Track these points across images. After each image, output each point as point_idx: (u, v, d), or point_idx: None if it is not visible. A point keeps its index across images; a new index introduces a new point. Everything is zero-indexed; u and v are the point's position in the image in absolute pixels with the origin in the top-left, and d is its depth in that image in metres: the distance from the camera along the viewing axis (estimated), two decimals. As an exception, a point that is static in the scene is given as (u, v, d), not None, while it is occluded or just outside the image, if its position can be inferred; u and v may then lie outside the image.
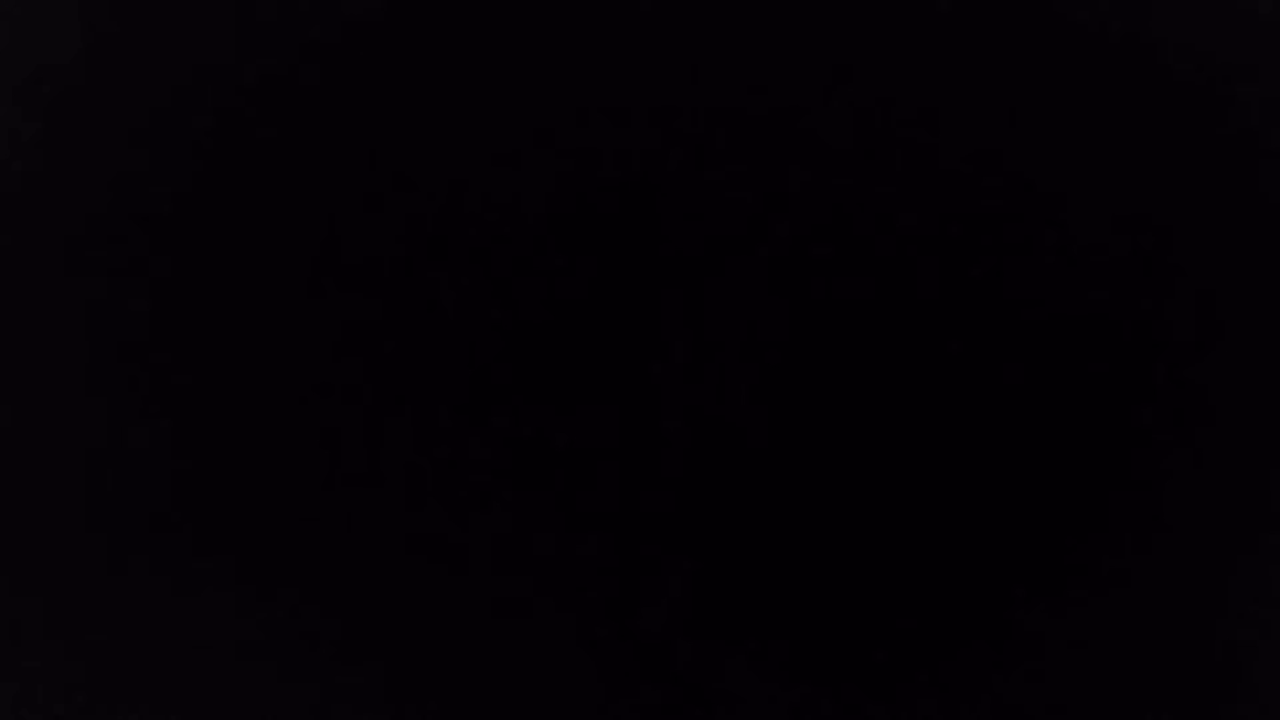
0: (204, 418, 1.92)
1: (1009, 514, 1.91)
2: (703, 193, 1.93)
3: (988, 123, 1.94)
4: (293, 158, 1.94)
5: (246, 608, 1.91)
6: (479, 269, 1.93)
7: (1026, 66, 1.95)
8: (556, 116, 1.94)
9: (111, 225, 1.95)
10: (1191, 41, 1.97)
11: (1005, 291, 1.92)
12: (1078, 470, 1.91)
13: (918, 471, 1.91)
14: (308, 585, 1.91)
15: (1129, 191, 1.94)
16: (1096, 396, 1.92)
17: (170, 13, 1.97)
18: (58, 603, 1.92)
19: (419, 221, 1.93)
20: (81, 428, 1.93)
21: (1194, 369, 1.93)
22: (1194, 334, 1.93)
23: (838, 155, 1.94)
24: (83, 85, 1.97)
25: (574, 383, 1.91)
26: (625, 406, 1.91)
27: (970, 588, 1.90)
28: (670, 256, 1.92)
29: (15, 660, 1.93)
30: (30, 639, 1.93)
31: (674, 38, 1.95)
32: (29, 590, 1.93)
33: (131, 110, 1.96)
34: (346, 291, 1.93)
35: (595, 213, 1.93)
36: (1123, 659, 1.91)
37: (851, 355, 1.92)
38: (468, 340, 1.92)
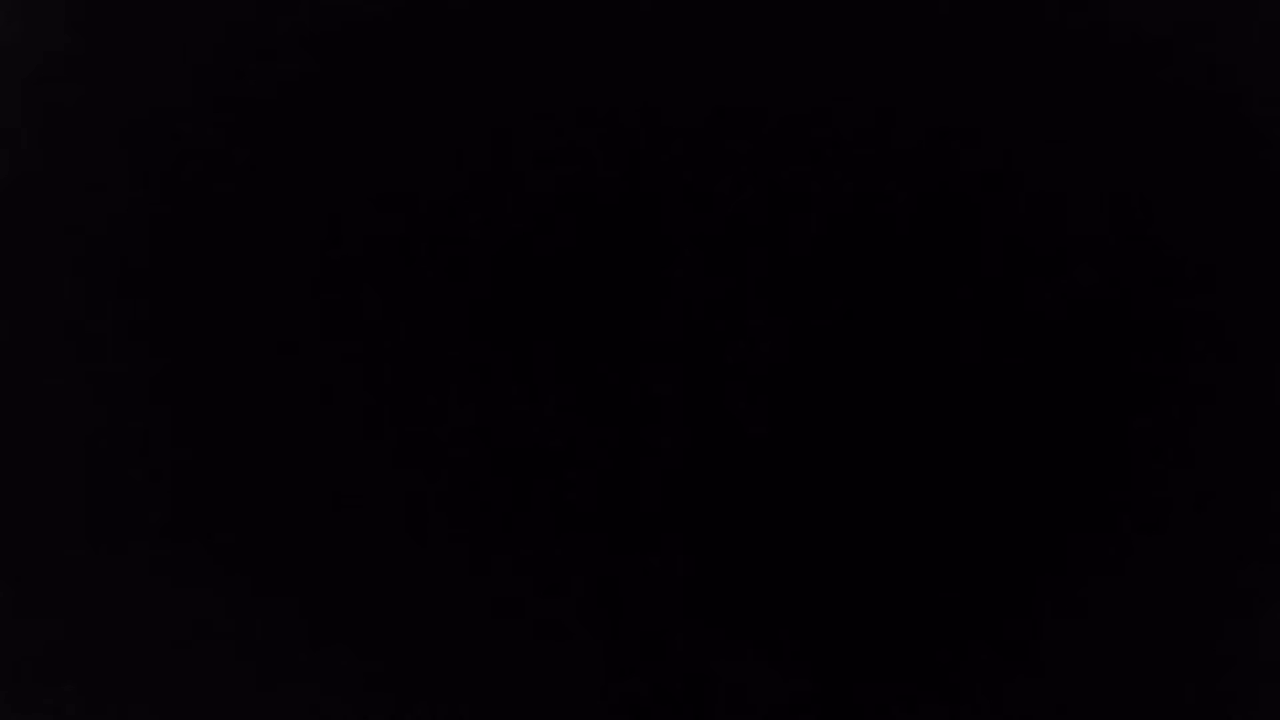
0: (203, 418, 1.92)
1: (1009, 512, 1.91)
2: (704, 193, 1.93)
3: (989, 123, 1.94)
4: (293, 157, 1.94)
5: (245, 608, 1.91)
6: (480, 268, 1.92)
7: (1027, 68, 1.95)
8: (558, 116, 1.94)
9: (111, 225, 1.95)
10: (1192, 41, 1.97)
11: (1007, 292, 1.92)
12: (1078, 468, 1.91)
13: (918, 465, 1.91)
14: (308, 585, 1.91)
15: (1130, 192, 1.94)
16: (1097, 396, 1.92)
17: (171, 12, 1.97)
18: (57, 602, 1.92)
19: (420, 221, 1.93)
20: (81, 427, 1.93)
21: (1194, 369, 1.93)
22: (1195, 334, 1.93)
23: (839, 154, 1.93)
24: (82, 85, 1.97)
25: (574, 381, 1.91)
26: (625, 403, 1.91)
27: (970, 582, 1.90)
28: (672, 255, 1.92)
29: (15, 660, 1.93)
30: (30, 638, 1.93)
31: (677, 39, 1.95)
32: (28, 590, 1.93)
33: (132, 110, 1.96)
34: (347, 290, 1.93)
35: (596, 212, 1.93)
36: (1123, 659, 1.91)
37: (852, 352, 1.91)
38: (468, 339, 1.92)
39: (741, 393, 1.91)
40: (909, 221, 1.93)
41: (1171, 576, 1.91)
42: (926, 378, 1.91)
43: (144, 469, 1.92)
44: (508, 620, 1.90)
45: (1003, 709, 1.90)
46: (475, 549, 1.90)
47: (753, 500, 1.90)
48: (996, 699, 1.90)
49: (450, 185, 1.94)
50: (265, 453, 1.91)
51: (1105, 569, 1.91)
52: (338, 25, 1.96)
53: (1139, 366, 1.92)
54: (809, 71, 1.95)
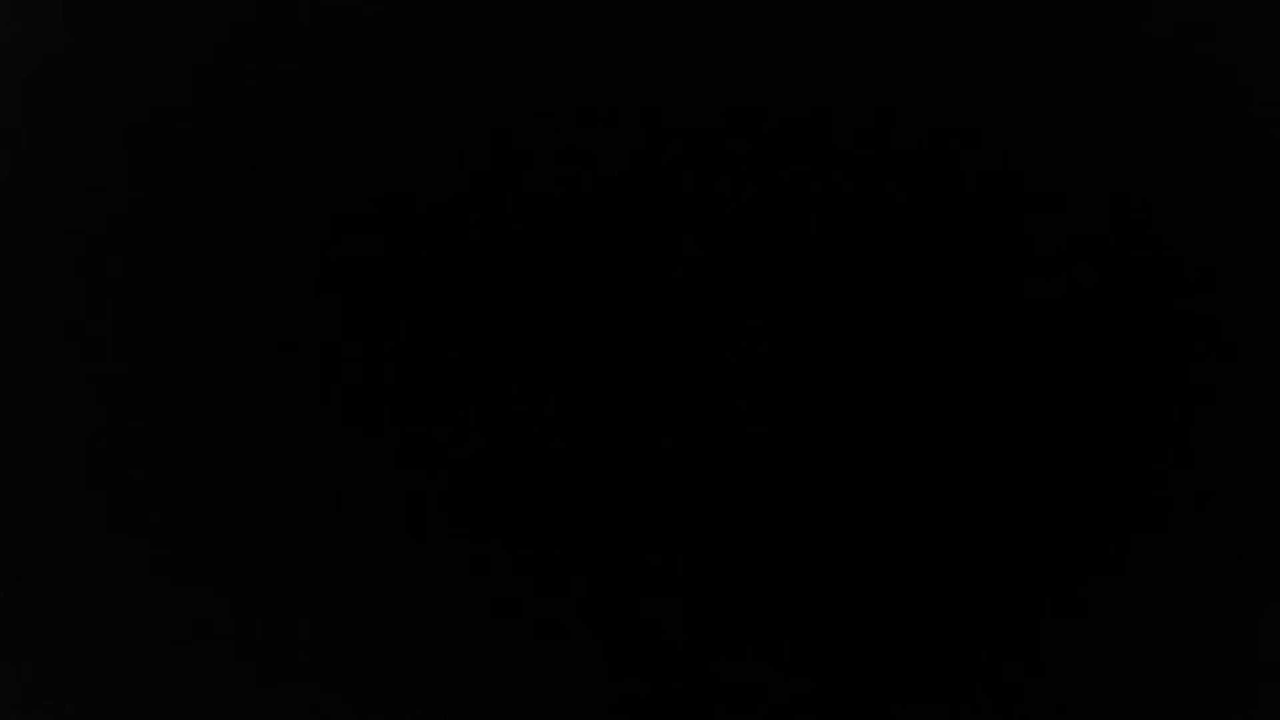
0: (203, 417, 1.92)
1: (1009, 511, 1.91)
2: (704, 193, 1.93)
3: (989, 123, 1.94)
4: (293, 157, 1.94)
5: (245, 608, 1.91)
6: (479, 268, 1.92)
7: (1028, 68, 1.95)
8: (558, 116, 1.94)
9: (111, 225, 1.95)
10: (1192, 41, 1.97)
11: (1007, 291, 1.92)
12: (1078, 468, 1.91)
13: (918, 465, 1.91)
14: (308, 585, 1.91)
15: (1130, 192, 1.94)
16: (1097, 396, 1.92)
17: (171, 12, 1.97)
18: (57, 602, 1.92)
19: (420, 221, 1.93)
20: (81, 427, 1.93)
21: (1194, 369, 1.93)
22: (1195, 334, 1.93)
23: (839, 155, 1.94)
24: (82, 85, 1.97)
25: (574, 381, 1.91)
26: (625, 402, 1.91)
27: (969, 582, 1.90)
28: (672, 255, 1.92)
29: (15, 660, 1.93)
30: (30, 638, 1.93)
31: (677, 39, 1.95)
32: (28, 590, 1.93)
33: (132, 110, 1.96)
34: (347, 291, 1.93)
35: (596, 212, 1.93)
36: (1123, 659, 1.91)
37: (853, 352, 1.92)
38: (468, 339, 1.92)
39: (741, 393, 1.91)
40: (909, 221, 1.93)
41: (1171, 576, 1.91)
42: (926, 378, 1.91)
43: (144, 469, 1.92)
44: (508, 620, 1.90)
45: (1003, 709, 1.90)
46: (475, 549, 1.90)
47: (753, 500, 1.90)
48: (996, 699, 1.90)
49: (450, 185, 1.94)
50: (265, 453, 1.91)
51: (1105, 569, 1.91)
52: (338, 25, 1.96)
53: (1139, 366, 1.92)
54: (809, 71, 1.95)
